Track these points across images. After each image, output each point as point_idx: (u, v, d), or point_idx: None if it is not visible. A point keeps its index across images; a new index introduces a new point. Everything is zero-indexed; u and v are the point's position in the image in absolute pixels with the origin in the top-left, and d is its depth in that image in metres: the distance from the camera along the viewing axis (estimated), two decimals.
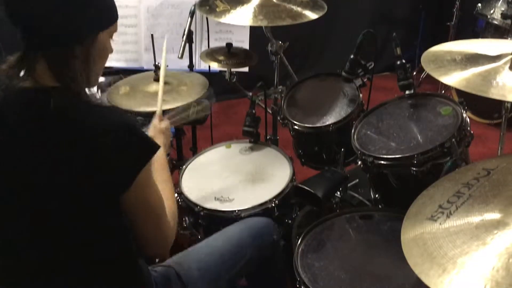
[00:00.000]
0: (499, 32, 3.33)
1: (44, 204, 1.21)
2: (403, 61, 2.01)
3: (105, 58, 1.30)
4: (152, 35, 2.24)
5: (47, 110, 1.15)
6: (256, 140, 2.22)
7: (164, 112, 1.80)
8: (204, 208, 1.86)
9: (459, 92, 3.12)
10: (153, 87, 2.19)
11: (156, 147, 1.23)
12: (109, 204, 1.22)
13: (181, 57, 2.34)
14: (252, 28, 2.73)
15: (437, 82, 1.66)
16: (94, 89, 1.32)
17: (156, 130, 1.66)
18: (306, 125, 2.15)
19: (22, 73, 1.21)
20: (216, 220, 1.87)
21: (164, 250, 1.40)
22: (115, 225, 1.28)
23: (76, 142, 1.16)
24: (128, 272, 1.35)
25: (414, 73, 3.76)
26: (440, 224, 1.12)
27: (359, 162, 1.85)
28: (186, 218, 1.97)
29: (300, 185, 1.87)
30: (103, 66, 1.31)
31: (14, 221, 1.25)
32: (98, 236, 1.26)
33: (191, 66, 2.57)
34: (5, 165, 1.21)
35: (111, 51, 1.31)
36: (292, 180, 1.97)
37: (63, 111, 1.17)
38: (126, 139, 1.18)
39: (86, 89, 1.25)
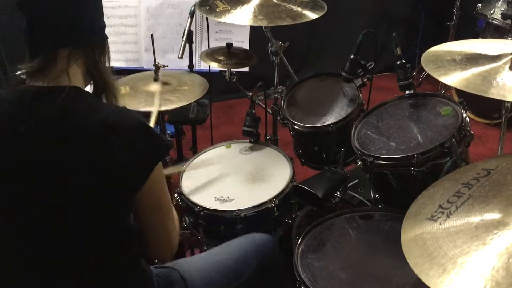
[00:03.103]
0: (499, 32, 3.34)
1: (52, 202, 1.21)
2: (403, 61, 2.01)
3: None
4: (152, 35, 2.23)
5: (67, 108, 1.19)
6: (256, 140, 2.22)
7: None
8: (204, 208, 1.86)
9: (459, 92, 3.12)
10: (153, 86, 2.19)
11: (168, 145, 1.32)
12: (122, 201, 1.25)
13: (181, 57, 2.34)
14: (252, 28, 2.73)
15: (437, 82, 1.66)
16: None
17: None
18: (306, 125, 2.14)
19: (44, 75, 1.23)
20: (216, 220, 1.87)
21: (168, 250, 1.42)
22: (121, 224, 1.29)
23: (95, 140, 1.18)
24: (130, 271, 1.35)
25: (414, 73, 3.76)
26: (440, 224, 1.12)
27: (359, 162, 1.85)
28: (186, 218, 1.97)
29: (300, 185, 1.87)
30: None
31: (16, 219, 1.24)
32: (102, 235, 1.26)
33: (191, 66, 2.57)
34: (22, 165, 1.21)
35: None
36: (292, 180, 1.97)
37: (82, 110, 1.21)
38: (143, 136, 1.24)
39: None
